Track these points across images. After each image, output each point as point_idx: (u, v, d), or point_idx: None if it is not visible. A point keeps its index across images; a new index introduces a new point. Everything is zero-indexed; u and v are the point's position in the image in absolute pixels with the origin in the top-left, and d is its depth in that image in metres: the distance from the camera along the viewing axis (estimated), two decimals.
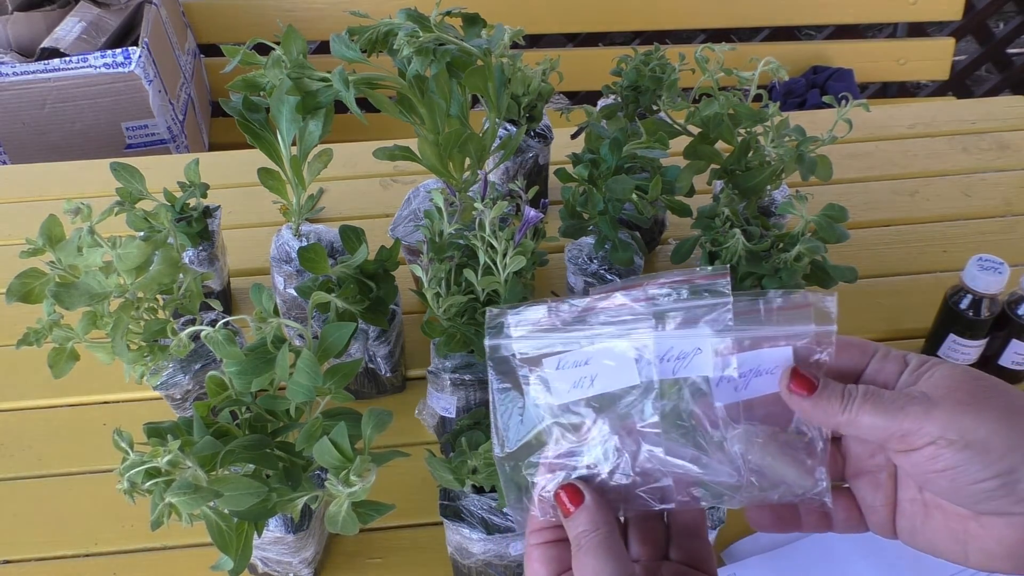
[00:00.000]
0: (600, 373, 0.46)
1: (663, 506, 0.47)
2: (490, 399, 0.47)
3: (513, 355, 0.46)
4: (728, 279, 0.45)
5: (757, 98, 0.97)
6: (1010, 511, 0.41)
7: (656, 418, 0.45)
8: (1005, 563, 0.42)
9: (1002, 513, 0.41)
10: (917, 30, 2.31)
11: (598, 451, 0.46)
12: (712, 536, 0.72)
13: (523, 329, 0.46)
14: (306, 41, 0.80)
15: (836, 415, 0.43)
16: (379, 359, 0.92)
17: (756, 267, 0.86)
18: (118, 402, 0.99)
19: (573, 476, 0.46)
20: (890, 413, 0.42)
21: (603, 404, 0.46)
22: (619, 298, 0.46)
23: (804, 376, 0.45)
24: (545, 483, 0.46)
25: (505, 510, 0.71)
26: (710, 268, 0.46)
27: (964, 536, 0.43)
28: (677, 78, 1.04)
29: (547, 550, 0.46)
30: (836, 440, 0.48)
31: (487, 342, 0.47)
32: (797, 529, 0.48)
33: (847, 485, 0.48)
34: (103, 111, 1.78)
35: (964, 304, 0.93)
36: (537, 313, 0.46)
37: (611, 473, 0.46)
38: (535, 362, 0.46)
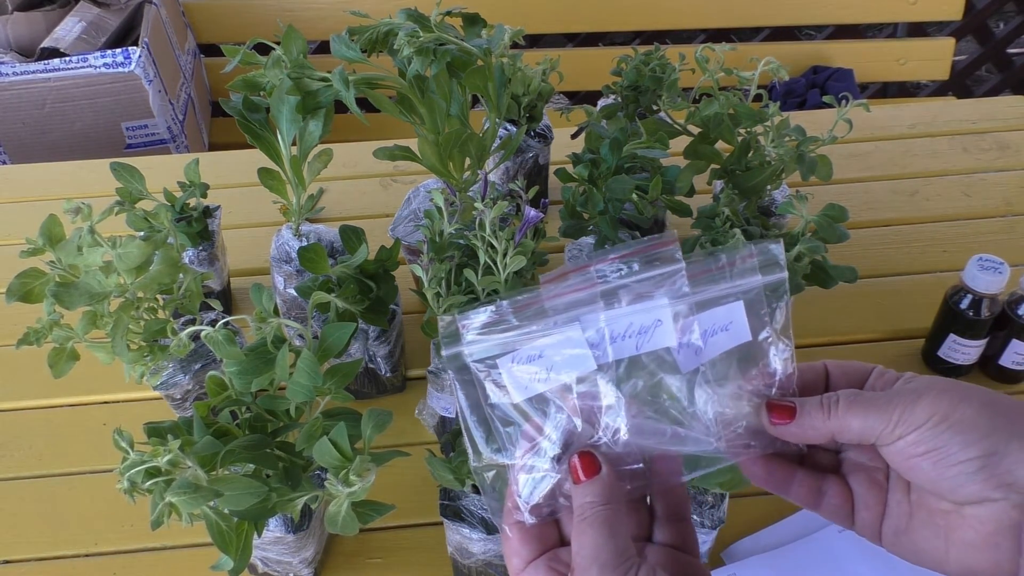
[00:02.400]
0: (555, 364, 0.45)
1: (641, 487, 0.47)
2: (458, 410, 0.47)
3: (469, 360, 0.46)
4: (678, 244, 0.45)
5: (757, 98, 0.96)
6: (990, 496, 0.41)
7: (617, 399, 0.45)
8: (984, 554, 0.42)
9: (982, 499, 0.42)
10: (917, 30, 2.31)
11: (559, 442, 0.45)
12: (712, 536, 0.72)
13: (474, 332, 0.46)
14: (306, 41, 0.80)
15: (824, 425, 0.44)
16: (379, 359, 0.92)
17: None
18: (118, 402, 0.99)
19: (540, 480, 0.45)
20: (877, 408, 0.43)
21: (562, 397, 0.45)
22: (567, 284, 0.45)
23: (780, 405, 0.46)
24: (522, 487, 0.46)
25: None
26: (659, 236, 0.45)
27: (946, 531, 0.44)
28: (677, 78, 1.04)
29: (527, 529, 0.46)
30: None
31: (444, 352, 0.46)
32: (784, 493, 0.49)
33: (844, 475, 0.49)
34: (103, 111, 1.78)
35: (964, 304, 0.93)
36: (486, 315, 0.46)
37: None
38: (491, 363, 0.45)
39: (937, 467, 0.42)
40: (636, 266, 0.45)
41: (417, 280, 0.83)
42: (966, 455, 0.41)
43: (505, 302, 0.46)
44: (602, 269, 0.45)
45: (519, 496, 0.46)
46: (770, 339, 0.47)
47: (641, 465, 0.46)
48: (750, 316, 0.46)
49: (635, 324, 0.45)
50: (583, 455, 0.45)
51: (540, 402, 0.46)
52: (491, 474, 0.47)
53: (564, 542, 0.47)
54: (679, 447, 0.46)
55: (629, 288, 0.45)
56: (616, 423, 0.45)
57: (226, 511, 0.63)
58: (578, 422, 0.45)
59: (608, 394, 0.45)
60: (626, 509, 0.45)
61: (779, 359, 0.47)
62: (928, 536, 0.45)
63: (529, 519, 0.46)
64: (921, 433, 0.42)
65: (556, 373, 0.45)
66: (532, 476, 0.46)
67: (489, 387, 0.46)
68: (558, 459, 0.45)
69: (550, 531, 0.47)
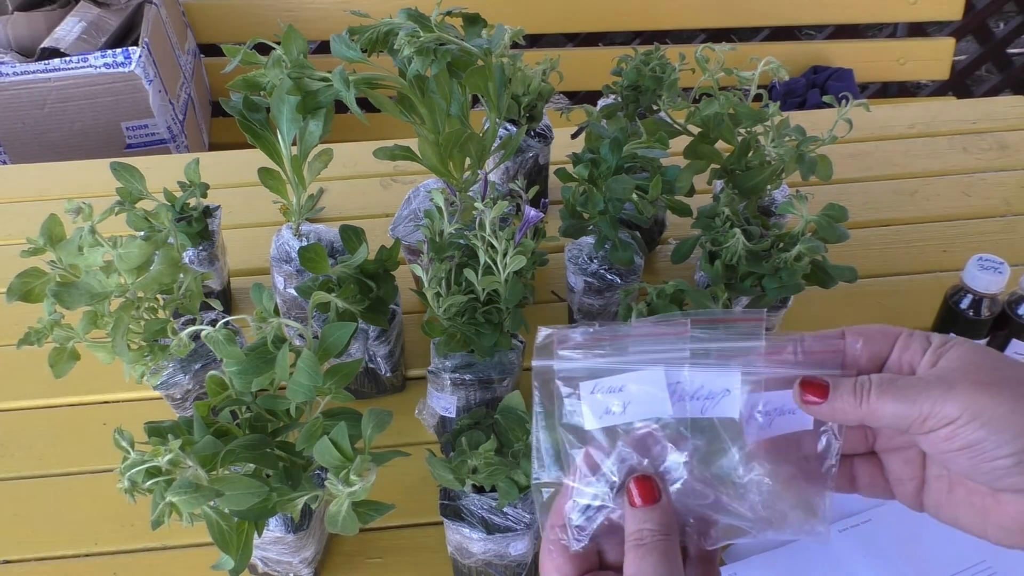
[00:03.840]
0: (633, 401, 0.46)
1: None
2: (533, 422, 0.48)
3: (555, 378, 0.47)
4: (763, 322, 0.46)
5: (757, 98, 0.96)
6: None
7: (680, 452, 0.46)
8: (1019, 538, 0.44)
9: (1017, 490, 0.43)
10: (917, 30, 2.31)
11: (620, 476, 0.46)
12: None
13: (567, 351, 0.47)
14: (306, 41, 0.80)
15: (855, 410, 0.44)
16: (379, 359, 0.92)
17: (756, 267, 0.86)
18: (118, 402, 0.99)
19: (594, 510, 0.46)
20: (909, 399, 0.43)
21: (632, 435, 0.46)
22: (660, 329, 0.47)
23: (813, 383, 0.46)
24: (574, 511, 0.46)
25: (505, 509, 0.71)
26: (747, 310, 0.48)
27: (983, 511, 0.45)
28: (677, 78, 1.04)
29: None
30: None
31: (534, 363, 0.47)
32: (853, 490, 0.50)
33: (875, 454, 0.50)
34: (103, 111, 1.78)
35: (964, 304, 0.93)
36: (584, 337, 0.47)
37: (622, 499, 0.46)
38: (573, 385, 0.47)
39: (972, 461, 0.42)
40: (722, 332, 0.46)
41: (417, 280, 0.83)
42: (1001, 452, 0.41)
43: (604, 330, 0.47)
44: (690, 327, 0.46)
45: (570, 519, 0.46)
46: (827, 433, 0.47)
47: (690, 520, 0.47)
48: None
49: (706, 387, 0.46)
50: (642, 480, 0.45)
51: (610, 433, 0.46)
52: (549, 492, 0.48)
53: (604, 565, 0.46)
54: (717, 515, 0.47)
55: (711, 351, 0.46)
56: (675, 475, 0.46)
57: (226, 511, 0.63)
58: (644, 463, 0.46)
59: (676, 446, 0.46)
60: None
61: (832, 454, 0.48)
62: (967, 513, 0.46)
63: (575, 544, 0.46)
64: (954, 429, 0.42)
65: (632, 410, 0.46)
66: (587, 503, 0.46)
67: (568, 406, 0.47)
68: (615, 491, 0.46)
69: (592, 552, 0.46)
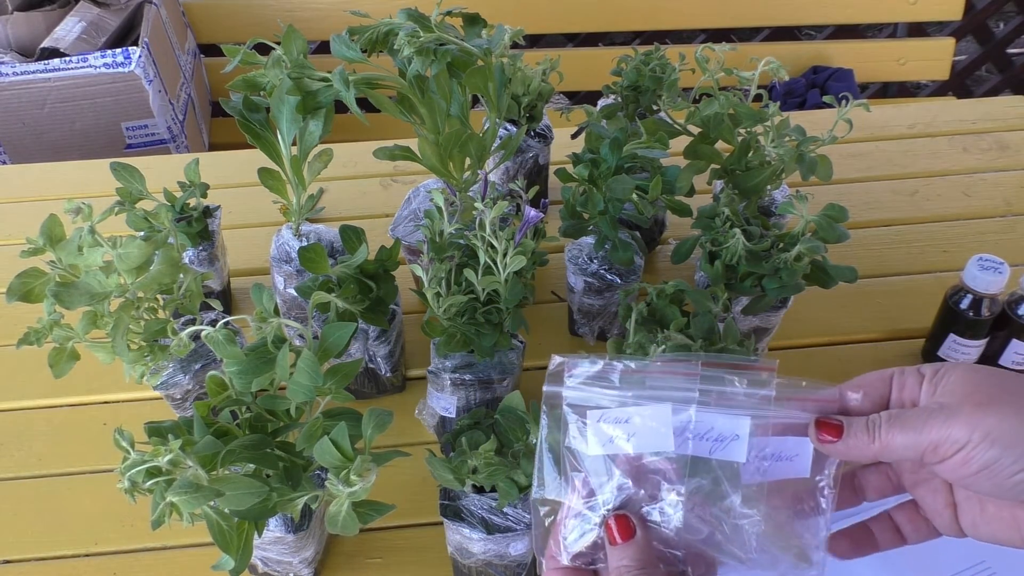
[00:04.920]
0: (638, 433, 0.48)
1: (674, 573, 0.49)
2: (538, 442, 0.50)
3: (564, 404, 0.49)
4: (775, 373, 0.48)
5: (757, 98, 0.96)
6: None
7: (680, 490, 0.48)
8: None
9: None
10: (917, 30, 2.31)
11: (615, 503, 0.48)
12: None
13: (577, 380, 0.49)
14: (306, 41, 0.80)
15: (869, 447, 0.46)
16: (379, 359, 0.92)
17: (756, 267, 0.86)
18: (118, 402, 0.99)
19: (589, 531, 0.48)
20: (916, 428, 0.44)
21: (633, 466, 0.48)
22: (672, 368, 0.48)
23: (829, 422, 0.47)
24: (569, 531, 0.48)
25: (505, 509, 0.71)
26: (762, 360, 0.49)
27: (1016, 523, 0.46)
28: (677, 78, 1.04)
29: (567, 570, 0.47)
30: None
31: (546, 388, 0.49)
32: (875, 550, 0.52)
33: (910, 498, 0.52)
34: (103, 111, 1.78)
35: (964, 304, 0.93)
36: (594, 367, 0.49)
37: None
38: (581, 412, 0.48)
39: (993, 481, 0.43)
40: (736, 379, 0.48)
41: (417, 280, 0.83)
42: (1019, 467, 0.42)
43: (615, 362, 0.49)
44: (703, 371, 0.48)
45: (564, 539, 0.48)
46: (823, 484, 0.49)
47: (680, 553, 0.48)
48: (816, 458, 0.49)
49: (716, 430, 0.48)
50: (619, 517, 0.46)
51: (611, 462, 0.48)
52: (546, 509, 0.49)
53: None
54: (713, 551, 0.48)
55: (722, 395, 0.48)
56: (673, 510, 0.48)
57: (227, 511, 0.63)
58: (640, 493, 0.48)
59: (675, 482, 0.48)
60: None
61: (826, 504, 0.49)
62: (1004, 528, 0.47)
63: (565, 559, 0.48)
64: (967, 453, 0.43)
65: (636, 442, 0.48)
66: (581, 525, 0.48)
67: (573, 431, 0.48)
68: (604, 518, 0.48)
69: (588, 572, 0.47)
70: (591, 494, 0.48)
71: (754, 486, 0.48)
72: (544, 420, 0.49)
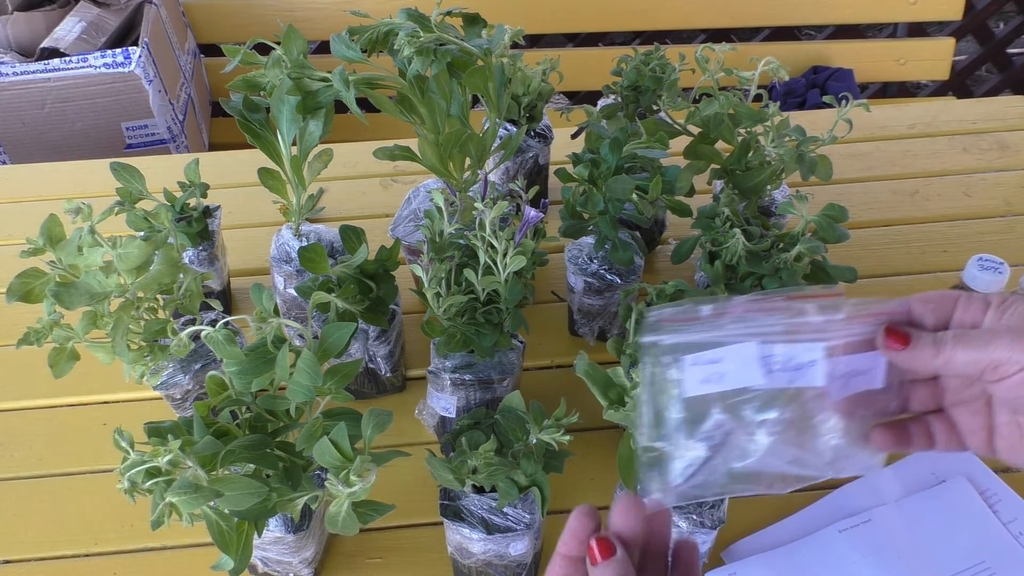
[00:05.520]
0: (728, 372, 0.52)
1: (746, 494, 0.53)
2: (641, 391, 0.53)
3: (660, 351, 0.53)
4: (843, 297, 0.53)
5: (757, 98, 0.96)
6: None
7: (773, 416, 0.52)
8: None
9: None
10: (917, 30, 2.31)
11: (715, 438, 0.52)
12: (712, 536, 0.72)
13: (668, 327, 0.53)
14: (306, 41, 0.80)
15: (932, 360, 0.50)
16: (379, 359, 0.92)
17: (756, 267, 0.86)
18: (118, 402, 0.99)
19: (694, 464, 0.53)
20: (980, 348, 0.48)
21: (726, 400, 0.52)
22: (754, 306, 0.53)
23: (898, 331, 0.51)
24: (673, 470, 0.53)
25: (505, 509, 0.71)
26: (827, 287, 0.54)
27: None
28: (677, 78, 1.04)
29: (569, 564, 0.48)
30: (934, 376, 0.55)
31: (642, 339, 0.53)
32: (907, 447, 0.55)
33: (945, 411, 0.55)
34: (103, 111, 1.78)
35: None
36: (682, 313, 0.53)
37: (720, 461, 0.53)
38: (676, 357, 0.52)
39: None
40: (809, 308, 0.52)
41: (417, 280, 0.83)
42: None
43: (700, 307, 0.53)
44: (779, 304, 0.53)
45: (670, 477, 0.52)
46: (891, 388, 0.53)
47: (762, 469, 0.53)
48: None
49: (794, 360, 0.52)
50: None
51: (707, 400, 0.52)
52: (652, 455, 0.53)
53: None
54: (794, 469, 0.53)
55: (800, 326, 0.52)
56: (765, 438, 0.52)
57: (226, 511, 0.63)
58: (735, 426, 0.52)
59: (762, 411, 0.52)
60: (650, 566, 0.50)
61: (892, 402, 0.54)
62: None
63: (670, 500, 0.53)
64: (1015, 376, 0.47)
65: (728, 379, 0.52)
66: (684, 461, 0.52)
67: (671, 376, 0.52)
68: (710, 452, 0.52)
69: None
70: (692, 434, 0.52)
71: (832, 403, 0.52)
72: (643, 368, 0.52)
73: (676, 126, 0.98)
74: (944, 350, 0.49)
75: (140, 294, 0.77)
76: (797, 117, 1.13)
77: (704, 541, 0.72)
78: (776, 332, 0.51)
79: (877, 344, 0.51)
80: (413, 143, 0.92)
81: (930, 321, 0.52)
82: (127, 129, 1.82)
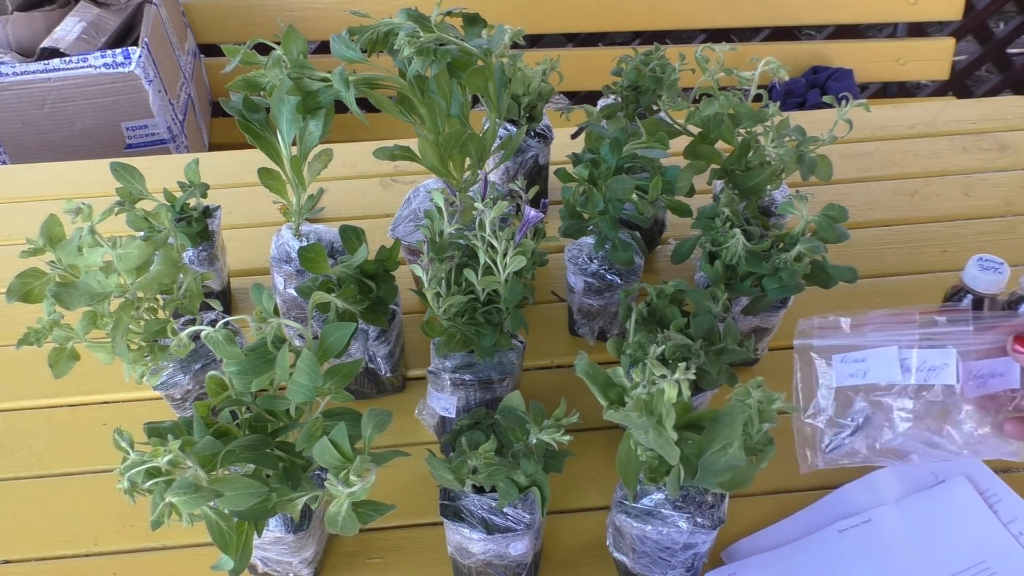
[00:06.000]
0: (872, 369, 0.66)
1: (885, 463, 0.71)
2: (794, 378, 0.69)
3: (813, 351, 0.68)
4: (970, 313, 0.67)
5: (757, 98, 0.96)
6: None
7: (908, 405, 0.67)
8: None
9: None
10: (917, 30, 2.31)
11: (855, 422, 0.68)
12: (712, 536, 0.72)
13: (821, 332, 0.68)
14: (306, 41, 0.80)
15: None
16: (379, 359, 0.92)
17: (756, 267, 0.86)
18: (118, 402, 0.99)
19: (840, 437, 0.70)
20: None
21: (868, 392, 0.67)
22: (893, 318, 0.67)
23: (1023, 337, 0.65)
24: (827, 440, 0.70)
25: (505, 509, 0.71)
26: (954, 306, 0.71)
27: None
28: (677, 78, 1.04)
29: None
30: None
31: (796, 342, 0.71)
32: None
33: None
34: (103, 111, 1.78)
35: (964, 304, 0.93)
36: (831, 322, 0.69)
37: (860, 437, 0.69)
38: (827, 356, 0.68)
39: None
40: (942, 320, 0.66)
41: (417, 280, 0.83)
42: None
43: (843, 319, 0.70)
44: (915, 317, 0.68)
45: (822, 446, 0.68)
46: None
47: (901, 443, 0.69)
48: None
49: (929, 362, 0.66)
50: None
51: (852, 391, 0.68)
52: (806, 432, 0.69)
53: None
54: (932, 448, 0.67)
55: (934, 335, 0.66)
56: (901, 423, 0.67)
57: (226, 511, 0.63)
58: (876, 412, 0.67)
59: (899, 401, 0.67)
60: None
61: None
62: None
63: (821, 464, 0.70)
64: None
65: (870, 376, 0.67)
66: (833, 437, 0.69)
67: (821, 371, 0.66)
68: (853, 430, 0.68)
69: None
70: (839, 414, 0.67)
71: (970, 399, 0.66)
72: (797, 364, 0.66)
73: (676, 126, 0.98)
74: None
75: (140, 294, 0.77)
76: (797, 117, 1.13)
77: (704, 541, 0.72)
78: (912, 340, 0.66)
79: (1007, 349, 0.64)
80: (413, 143, 0.92)
81: None
82: (127, 129, 1.82)
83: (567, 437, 0.72)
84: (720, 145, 0.96)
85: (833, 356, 0.67)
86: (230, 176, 1.30)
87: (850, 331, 0.68)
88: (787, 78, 0.93)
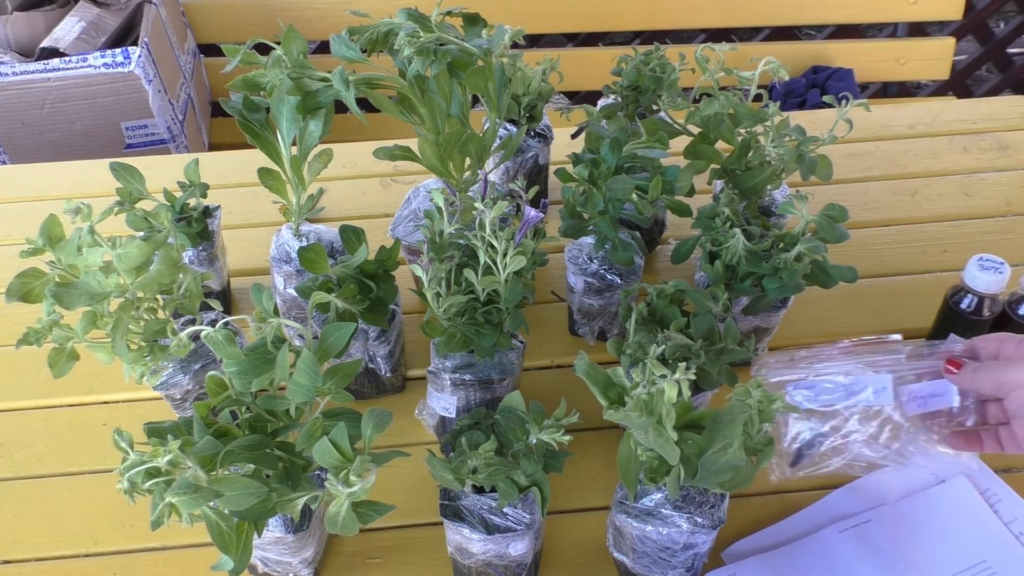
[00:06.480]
0: (819, 395, 0.76)
1: (846, 472, 0.78)
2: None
3: (767, 381, 0.77)
4: (902, 344, 0.78)
5: (757, 98, 0.96)
6: None
7: (856, 425, 0.77)
8: None
9: None
10: (917, 30, 2.30)
11: (809, 440, 0.78)
12: (712, 536, 0.72)
13: (776, 367, 0.79)
14: (306, 41, 0.80)
15: (970, 382, 0.73)
16: (379, 359, 0.92)
17: (756, 267, 0.86)
18: (118, 402, 0.99)
19: (800, 451, 0.78)
20: (997, 373, 0.71)
21: (820, 413, 0.77)
22: (839, 351, 0.79)
23: (955, 360, 0.75)
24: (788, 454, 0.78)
25: (505, 509, 0.71)
26: (890, 336, 0.80)
27: None
28: (677, 78, 1.04)
29: None
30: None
31: (754, 373, 0.79)
32: (980, 449, 0.76)
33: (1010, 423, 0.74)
34: (103, 111, 1.78)
35: (965, 304, 0.93)
36: (785, 358, 0.79)
37: (814, 451, 0.78)
38: (783, 385, 0.78)
39: None
40: (878, 352, 0.78)
41: (417, 280, 0.83)
42: None
43: (797, 352, 0.80)
44: (854, 349, 0.79)
45: (790, 447, 0.78)
46: (967, 407, 0.76)
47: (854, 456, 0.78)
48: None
49: (870, 387, 0.76)
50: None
51: (805, 413, 0.77)
52: (770, 448, 0.71)
53: None
54: (882, 462, 0.76)
55: (873, 363, 0.77)
56: (851, 439, 0.77)
57: (226, 511, 0.63)
58: (826, 429, 0.77)
59: (850, 420, 0.77)
60: None
61: (971, 422, 0.76)
62: None
63: (788, 475, 0.77)
64: (1016, 393, 0.70)
65: (818, 400, 0.76)
66: (793, 441, 0.78)
67: (775, 398, 0.69)
68: (809, 447, 0.77)
69: None
70: (792, 435, 0.77)
71: (911, 417, 0.76)
72: (752, 393, 0.71)
73: (676, 126, 0.98)
74: (977, 375, 0.72)
75: (140, 294, 0.77)
76: (797, 117, 1.13)
77: (704, 541, 0.72)
78: (857, 369, 0.76)
79: (942, 369, 0.74)
80: (413, 143, 0.92)
81: (985, 356, 0.73)
82: (127, 129, 1.82)
83: (567, 437, 0.72)
84: (720, 145, 0.96)
85: (788, 386, 0.77)
86: (230, 176, 1.30)
87: (802, 365, 0.78)
88: (787, 78, 0.92)
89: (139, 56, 1.75)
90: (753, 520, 0.84)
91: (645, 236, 1.11)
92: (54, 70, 1.72)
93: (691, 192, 0.94)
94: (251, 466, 0.66)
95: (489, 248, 0.78)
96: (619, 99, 1.09)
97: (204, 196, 0.98)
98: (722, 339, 0.81)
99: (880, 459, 0.77)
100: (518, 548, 0.72)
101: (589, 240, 0.97)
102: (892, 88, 2.42)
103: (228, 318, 0.73)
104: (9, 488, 0.91)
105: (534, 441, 0.73)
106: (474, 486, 0.73)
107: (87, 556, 0.84)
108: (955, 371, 0.74)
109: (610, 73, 1.09)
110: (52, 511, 0.88)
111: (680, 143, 0.97)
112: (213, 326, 0.68)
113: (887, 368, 0.76)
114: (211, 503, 0.61)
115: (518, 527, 0.71)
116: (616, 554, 0.77)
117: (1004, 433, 0.74)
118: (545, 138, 1.15)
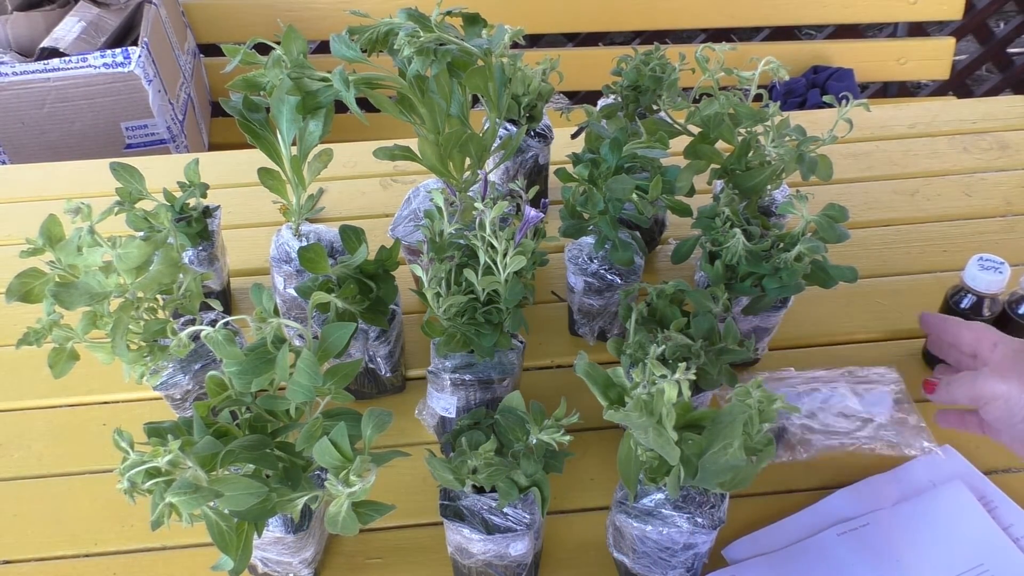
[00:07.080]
0: (791, 396, 0.92)
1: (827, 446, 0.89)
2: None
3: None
4: (839, 370, 0.96)
5: (757, 98, 0.96)
6: None
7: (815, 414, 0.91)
8: None
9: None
10: (917, 30, 2.31)
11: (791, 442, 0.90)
12: (712, 536, 0.72)
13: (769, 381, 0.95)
14: (306, 41, 0.80)
15: (946, 398, 0.80)
16: (379, 359, 0.92)
17: (756, 267, 0.86)
18: (118, 402, 0.99)
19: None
20: (970, 386, 0.77)
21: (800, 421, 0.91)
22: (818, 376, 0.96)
23: (929, 381, 0.85)
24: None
25: (505, 509, 0.71)
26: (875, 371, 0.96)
27: None
28: (677, 78, 1.04)
29: None
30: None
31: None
32: (964, 429, 0.84)
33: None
34: (103, 111, 1.78)
35: (965, 304, 0.93)
36: (778, 375, 0.96)
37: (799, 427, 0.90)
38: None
39: (1008, 423, 0.77)
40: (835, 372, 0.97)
41: (417, 280, 0.83)
42: (1018, 417, 0.75)
43: (786, 372, 0.97)
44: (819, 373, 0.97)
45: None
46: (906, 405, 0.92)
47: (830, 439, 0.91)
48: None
49: (831, 399, 0.92)
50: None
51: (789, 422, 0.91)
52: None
53: None
54: (850, 434, 0.89)
55: (817, 378, 0.95)
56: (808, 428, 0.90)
57: (226, 511, 0.63)
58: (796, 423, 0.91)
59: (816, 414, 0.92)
60: None
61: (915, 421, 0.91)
62: None
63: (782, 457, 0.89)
64: (989, 404, 0.76)
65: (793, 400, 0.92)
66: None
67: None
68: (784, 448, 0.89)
69: None
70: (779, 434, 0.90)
71: (863, 413, 0.90)
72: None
73: (676, 126, 0.98)
74: (951, 388, 0.79)
75: (140, 294, 0.77)
76: (797, 117, 1.13)
77: (704, 541, 0.72)
78: (814, 388, 0.93)
79: (923, 390, 0.85)
80: (413, 143, 0.92)
81: (965, 348, 0.84)
82: (127, 129, 1.82)
83: (567, 437, 0.72)
84: (720, 145, 0.96)
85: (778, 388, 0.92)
86: (230, 176, 1.30)
87: (786, 384, 0.92)
88: (787, 78, 0.93)
89: (139, 56, 1.75)
90: (753, 520, 0.84)
91: (645, 236, 1.11)
92: (54, 70, 1.72)
93: (691, 192, 0.94)
94: (251, 466, 0.66)
95: (489, 248, 0.78)
96: (619, 99, 1.09)
97: (204, 196, 0.98)
98: (722, 339, 0.81)
99: (864, 443, 0.88)
100: (518, 548, 0.72)
101: (589, 240, 0.97)
102: (892, 88, 2.42)
103: (228, 318, 0.73)
104: (9, 488, 0.91)
105: (534, 441, 0.73)
106: (474, 486, 0.73)
107: (87, 556, 0.84)
108: (929, 392, 0.83)
109: (610, 73, 1.09)
110: (52, 511, 0.88)
111: (680, 143, 0.97)
112: (213, 326, 0.68)
113: (839, 384, 0.94)
114: (211, 503, 0.61)
115: (518, 527, 0.71)
116: (616, 554, 0.77)
117: (988, 429, 0.81)
118: (545, 138, 1.15)
